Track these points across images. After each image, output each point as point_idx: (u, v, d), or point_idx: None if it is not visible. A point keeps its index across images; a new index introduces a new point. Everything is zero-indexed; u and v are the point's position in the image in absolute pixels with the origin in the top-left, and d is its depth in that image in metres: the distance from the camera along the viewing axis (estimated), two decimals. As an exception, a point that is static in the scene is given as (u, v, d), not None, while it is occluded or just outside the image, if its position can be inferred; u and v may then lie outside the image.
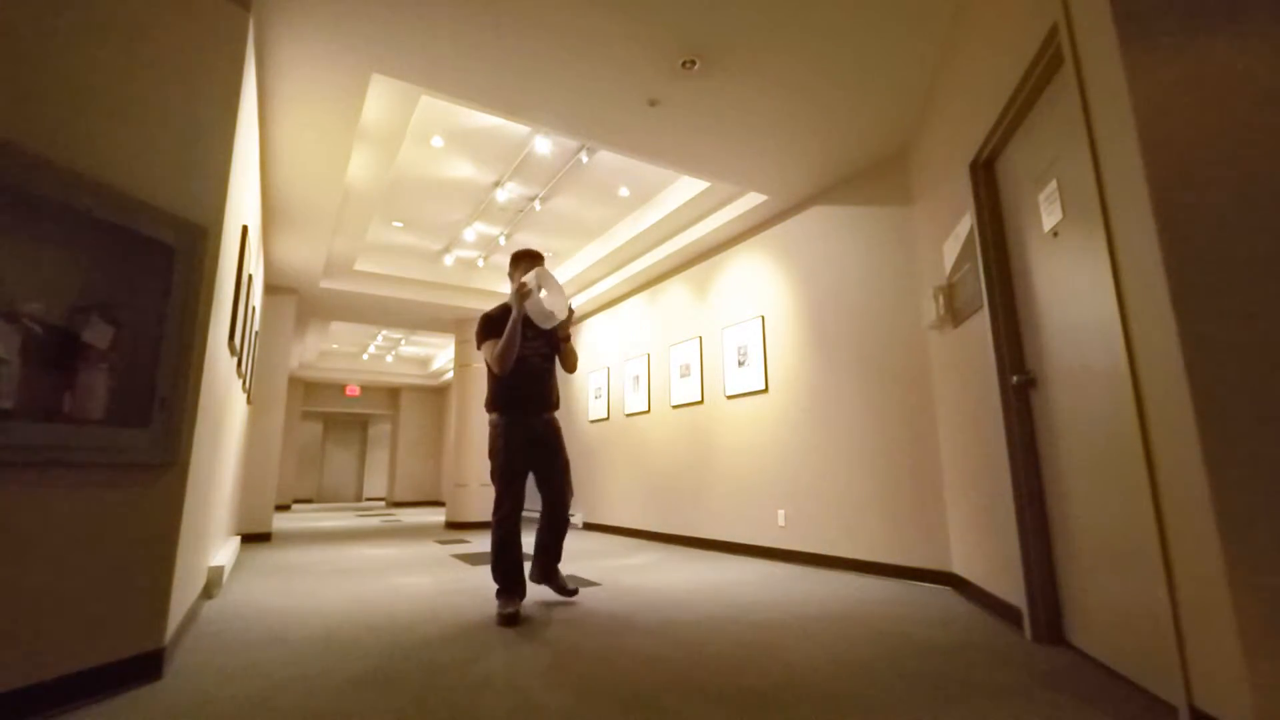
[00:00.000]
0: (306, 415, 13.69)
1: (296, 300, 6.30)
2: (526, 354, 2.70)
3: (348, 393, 13.08)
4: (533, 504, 3.03)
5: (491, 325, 2.71)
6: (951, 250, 2.75)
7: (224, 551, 3.59)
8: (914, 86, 3.00)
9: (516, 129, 4.04)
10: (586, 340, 7.26)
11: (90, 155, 1.72)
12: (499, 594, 2.57)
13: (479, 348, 2.74)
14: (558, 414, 2.88)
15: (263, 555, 4.61)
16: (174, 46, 1.99)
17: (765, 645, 2.08)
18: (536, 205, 5.13)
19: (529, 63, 2.85)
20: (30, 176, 1.55)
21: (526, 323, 2.63)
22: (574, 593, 2.86)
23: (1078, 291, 1.80)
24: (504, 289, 7.14)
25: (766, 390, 4.38)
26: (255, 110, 2.90)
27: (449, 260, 6.42)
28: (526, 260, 2.80)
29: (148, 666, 1.77)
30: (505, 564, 2.57)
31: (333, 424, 15.10)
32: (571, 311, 2.74)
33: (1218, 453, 1.22)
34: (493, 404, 2.73)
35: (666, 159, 3.80)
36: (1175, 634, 1.34)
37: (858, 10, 2.52)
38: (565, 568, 3.85)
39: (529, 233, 5.79)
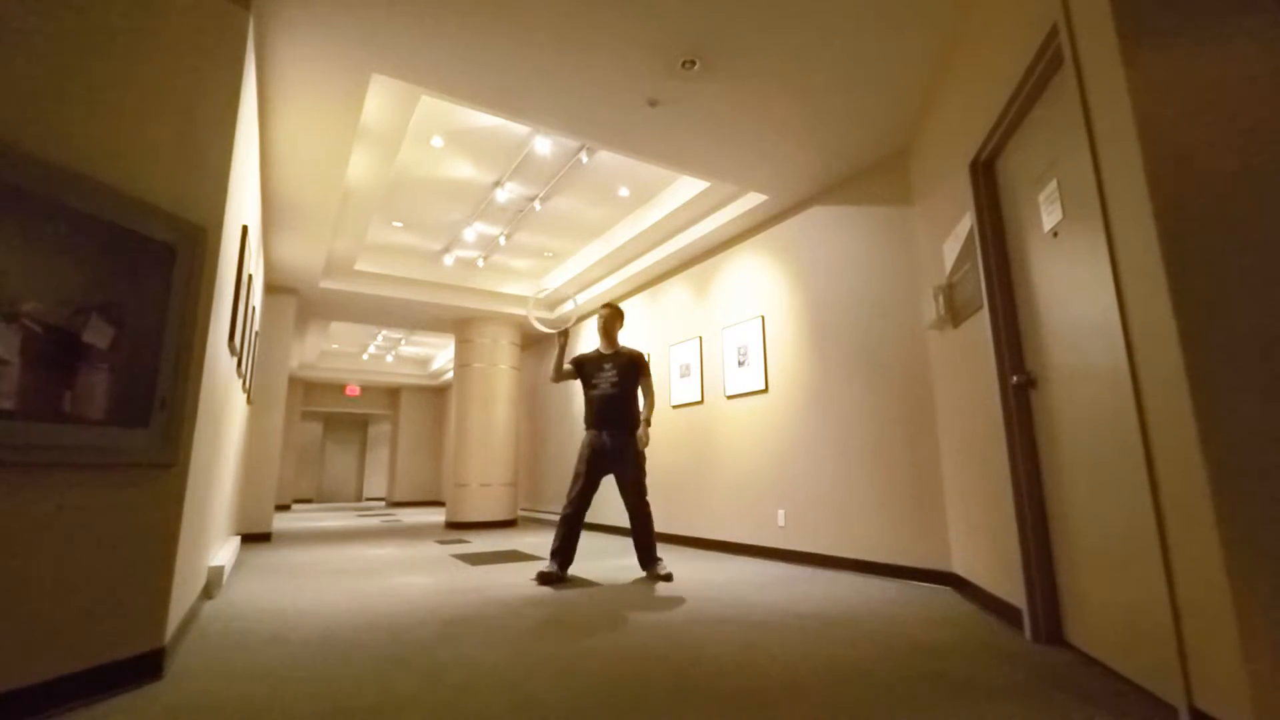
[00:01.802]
0: (306, 415, 13.71)
1: (296, 300, 6.30)
2: (599, 382, 3.49)
3: (348, 393, 13.08)
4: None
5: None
6: (951, 250, 2.75)
7: (224, 551, 3.59)
8: (914, 86, 3.00)
9: (516, 129, 4.05)
10: (587, 340, 7.26)
11: (90, 155, 1.72)
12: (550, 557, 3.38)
13: None
14: (638, 432, 3.44)
15: (263, 555, 4.61)
16: (174, 46, 1.99)
17: (764, 645, 2.08)
18: (536, 205, 5.13)
19: (529, 63, 2.85)
20: (30, 176, 1.55)
21: (600, 355, 3.57)
22: (667, 578, 3.32)
23: (1078, 291, 1.80)
24: (504, 289, 7.16)
25: (766, 390, 4.38)
26: (255, 110, 2.90)
27: (449, 260, 6.42)
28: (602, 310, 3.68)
29: (148, 666, 1.77)
30: (557, 538, 3.35)
31: (333, 424, 15.11)
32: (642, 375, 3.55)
33: (1217, 452, 1.22)
34: (585, 421, 3.55)
35: (666, 159, 3.80)
36: (1175, 634, 1.34)
37: (858, 10, 2.52)
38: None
39: (529, 233, 5.79)
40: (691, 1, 2.48)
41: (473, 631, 2.30)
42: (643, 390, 3.54)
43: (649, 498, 3.47)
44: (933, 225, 3.10)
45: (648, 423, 3.44)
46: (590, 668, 1.85)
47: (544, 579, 3.28)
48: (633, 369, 3.51)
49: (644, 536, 3.41)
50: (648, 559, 3.42)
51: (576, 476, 3.40)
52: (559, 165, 4.52)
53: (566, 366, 3.61)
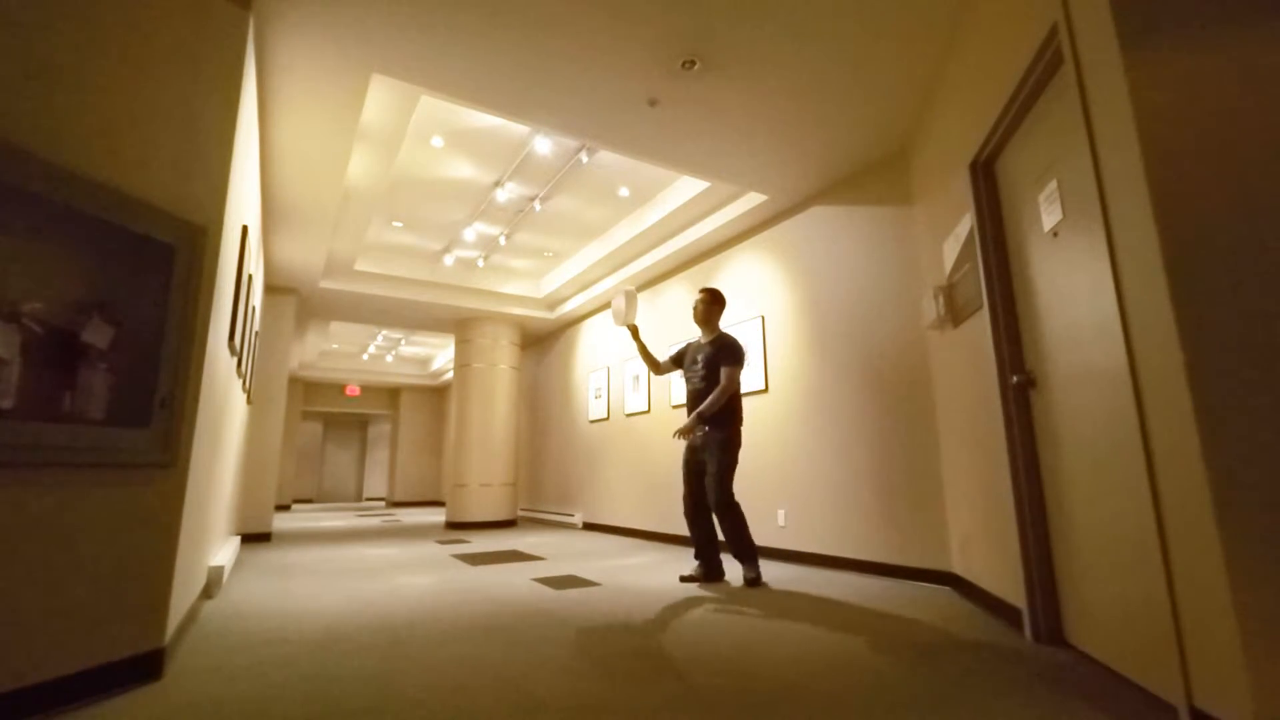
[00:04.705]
0: (306, 415, 13.70)
1: (296, 300, 6.30)
2: (690, 375, 3.43)
3: (348, 393, 13.08)
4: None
5: None
6: (951, 250, 2.75)
7: (224, 551, 3.59)
8: (914, 86, 3.00)
9: (516, 129, 4.04)
10: (587, 340, 7.26)
11: (90, 155, 1.72)
12: None
13: None
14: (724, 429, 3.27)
15: (263, 555, 4.61)
16: (174, 46, 1.99)
17: (764, 645, 2.08)
18: (536, 205, 5.13)
19: (529, 62, 2.85)
20: (30, 176, 1.55)
21: (697, 345, 3.47)
22: (749, 581, 3.17)
23: (1078, 291, 1.80)
24: (504, 289, 7.16)
25: (766, 390, 4.38)
26: (255, 110, 2.90)
27: (449, 260, 6.42)
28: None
29: (148, 666, 1.77)
30: (691, 537, 3.41)
31: (333, 424, 15.10)
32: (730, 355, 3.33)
33: (1217, 452, 1.22)
34: None
35: (666, 159, 3.79)
36: (1175, 634, 1.34)
37: (858, 10, 2.52)
38: (566, 567, 3.85)
39: (529, 233, 5.79)
40: (691, 1, 2.48)
41: (472, 631, 2.30)
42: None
43: (740, 499, 3.36)
44: (933, 225, 3.10)
45: (699, 415, 3.25)
46: (590, 668, 1.85)
47: (684, 579, 3.33)
48: (716, 358, 3.32)
49: (730, 545, 3.25)
50: (739, 559, 3.26)
51: (683, 473, 3.44)
52: (559, 165, 4.52)
53: (663, 357, 3.55)
